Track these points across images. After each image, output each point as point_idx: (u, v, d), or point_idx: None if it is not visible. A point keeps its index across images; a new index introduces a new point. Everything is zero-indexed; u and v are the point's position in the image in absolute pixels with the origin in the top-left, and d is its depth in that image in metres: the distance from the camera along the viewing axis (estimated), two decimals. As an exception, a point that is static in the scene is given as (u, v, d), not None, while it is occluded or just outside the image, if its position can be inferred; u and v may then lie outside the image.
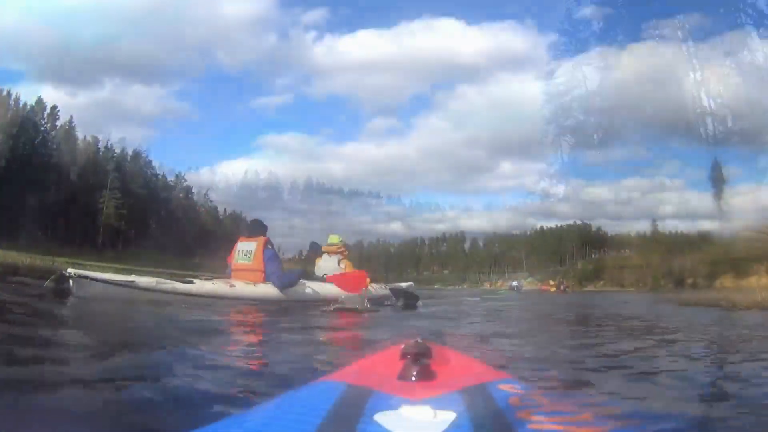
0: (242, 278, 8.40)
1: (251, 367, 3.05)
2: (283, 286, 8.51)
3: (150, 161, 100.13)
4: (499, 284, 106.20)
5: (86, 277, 6.89)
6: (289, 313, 7.07)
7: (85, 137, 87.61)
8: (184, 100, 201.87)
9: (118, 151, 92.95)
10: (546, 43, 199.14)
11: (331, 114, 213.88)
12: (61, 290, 6.77)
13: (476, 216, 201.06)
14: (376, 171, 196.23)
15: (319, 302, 8.31)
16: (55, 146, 79.36)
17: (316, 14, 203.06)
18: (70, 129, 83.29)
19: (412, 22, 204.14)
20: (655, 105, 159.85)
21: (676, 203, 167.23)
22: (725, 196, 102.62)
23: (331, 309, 7.34)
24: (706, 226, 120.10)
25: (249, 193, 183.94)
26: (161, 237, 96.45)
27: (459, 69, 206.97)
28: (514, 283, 64.76)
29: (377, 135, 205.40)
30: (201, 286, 7.65)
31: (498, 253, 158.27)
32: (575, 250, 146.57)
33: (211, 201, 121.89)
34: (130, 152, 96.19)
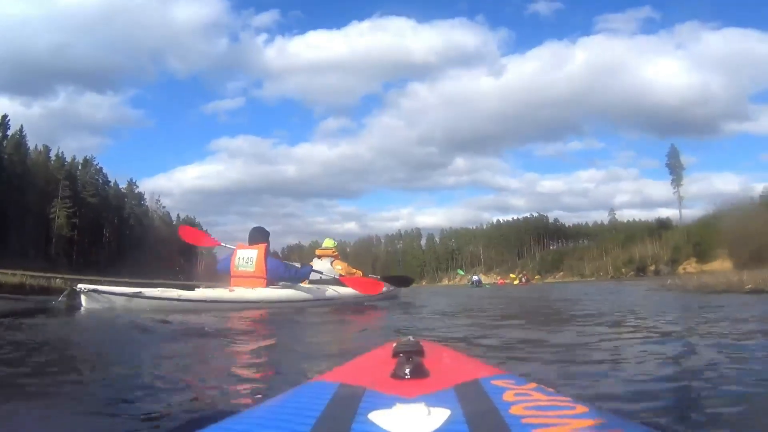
0: (243, 285, 8.74)
1: (243, 370, 3.08)
2: (300, 279, 9.37)
3: (101, 168, 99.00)
4: (458, 279, 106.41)
5: (96, 290, 7.26)
6: (284, 315, 7.36)
7: (36, 146, 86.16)
8: (137, 108, 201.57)
9: (69, 159, 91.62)
10: (497, 39, 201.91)
11: (284, 116, 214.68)
12: (72, 305, 7.17)
13: (431, 212, 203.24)
14: (330, 171, 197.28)
15: (319, 303, 9.05)
16: (5, 156, 77.64)
17: (267, 17, 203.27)
18: (20, 138, 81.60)
19: (362, 22, 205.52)
20: (607, 97, 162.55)
21: (632, 192, 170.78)
22: (684, 182, 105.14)
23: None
24: (664, 213, 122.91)
25: (203, 198, 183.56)
26: (116, 246, 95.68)
27: (410, 67, 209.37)
28: (474, 277, 65.11)
29: (330, 135, 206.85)
30: (203, 292, 8.00)
31: (455, 248, 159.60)
32: (533, 242, 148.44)
33: (163, 207, 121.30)
34: (81, 160, 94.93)
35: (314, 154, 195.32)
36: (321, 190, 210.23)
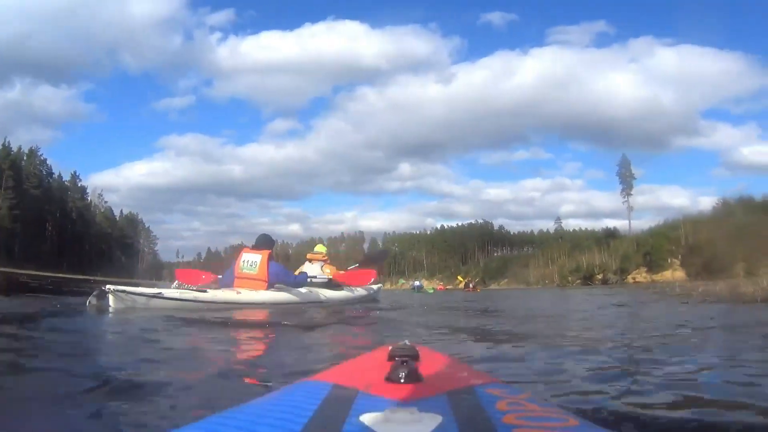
0: (246, 286, 9.50)
1: (239, 366, 3.11)
2: (297, 286, 10.13)
3: (45, 160, 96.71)
4: (400, 284, 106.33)
5: (123, 291, 7.83)
6: (284, 316, 7.50)
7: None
8: (90, 102, 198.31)
9: (15, 149, 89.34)
10: (449, 47, 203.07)
11: (233, 115, 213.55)
12: (101, 306, 7.65)
13: (375, 217, 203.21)
14: (276, 172, 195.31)
15: (318, 305, 9.84)
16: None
17: (223, 15, 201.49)
18: (-35, 126, 79.19)
19: (316, 24, 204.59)
20: (557, 108, 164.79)
21: (578, 202, 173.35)
22: (633, 193, 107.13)
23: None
24: (610, 224, 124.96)
25: (149, 195, 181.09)
26: (57, 240, 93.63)
27: (360, 71, 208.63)
28: (416, 283, 65.70)
29: (277, 136, 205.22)
30: (214, 294, 8.66)
31: (398, 253, 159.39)
32: (477, 249, 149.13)
33: (105, 202, 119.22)
34: (26, 151, 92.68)
35: (261, 155, 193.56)
36: (266, 191, 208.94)
